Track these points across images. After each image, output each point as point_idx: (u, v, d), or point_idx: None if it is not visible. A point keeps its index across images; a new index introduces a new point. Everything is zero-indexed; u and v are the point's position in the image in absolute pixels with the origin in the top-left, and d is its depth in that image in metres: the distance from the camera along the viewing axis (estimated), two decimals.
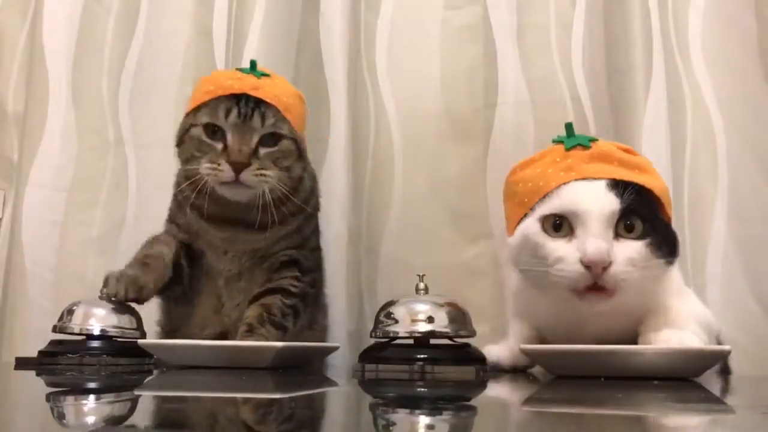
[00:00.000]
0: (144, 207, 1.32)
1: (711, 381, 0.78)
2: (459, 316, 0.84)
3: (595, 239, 0.72)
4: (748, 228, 1.13)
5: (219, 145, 0.92)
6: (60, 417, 0.48)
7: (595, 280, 0.72)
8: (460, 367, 0.82)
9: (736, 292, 1.12)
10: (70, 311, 0.93)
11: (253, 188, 0.91)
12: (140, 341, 0.88)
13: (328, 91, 1.26)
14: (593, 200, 0.73)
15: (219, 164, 0.90)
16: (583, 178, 0.77)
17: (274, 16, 1.30)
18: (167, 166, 1.35)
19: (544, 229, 0.76)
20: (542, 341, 0.86)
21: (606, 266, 0.71)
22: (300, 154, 0.97)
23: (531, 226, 0.77)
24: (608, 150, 0.79)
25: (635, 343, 0.77)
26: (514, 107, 1.24)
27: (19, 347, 1.21)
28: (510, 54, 1.26)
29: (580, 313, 0.77)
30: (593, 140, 0.81)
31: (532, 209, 0.79)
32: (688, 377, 0.72)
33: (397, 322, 0.84)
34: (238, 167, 0.90)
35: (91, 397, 0.63)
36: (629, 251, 0.73)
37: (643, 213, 0.74)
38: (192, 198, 0.95)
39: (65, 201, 1.32)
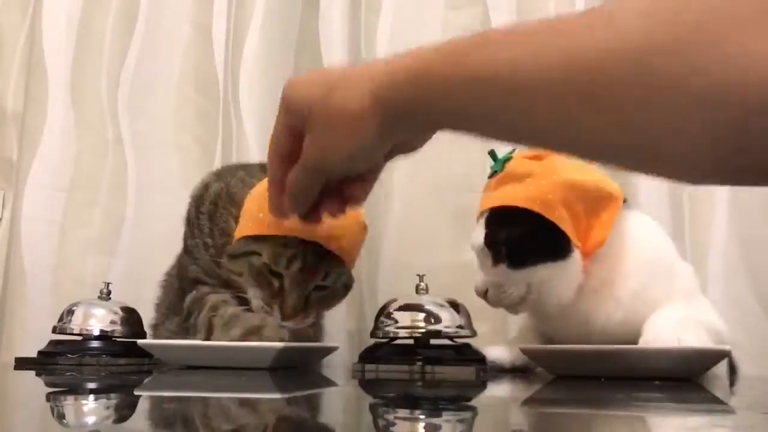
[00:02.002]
0: (144, 207, 1.32)
1: (713, 381, 0.78)
2: (459, 316, 0.84)
3: (477, 274, 0.84)
4: (748, 228, 1.13)
5: (275, 284, 0.88)
6: (60, 417, 0.48)
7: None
8: (460, 367, 0.82)
9: (737, 292, 1.12)
10: (69, 311, 0.93)
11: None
12: (140, 341, 0.88)
13: None
14: (474, 241, 0.85)
15: (271, 308, 0.88)
16: (482, 211, 0.86)
17: (274, 16, 1.30)
18: (167, 166, 1.35)
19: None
20: (548, 341, 0.87)
21: (483, 294, 0.84)
22: (347, 286, 0.95)
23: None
24: (510, 169, 0.85)
25: (636, 343, 0.77)
26: None
27: (18, 347, 1.20)
28: None
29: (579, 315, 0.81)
30: (507, 160, 0.86)
31: None
32: (688, 377, 0.72)
33: (397, 322, 0.84)
34: (288, 317, 0.88)
35: (91, 397, 0.63)
36: (499, 276, 0.82)
37: (503, 238, 0.82)
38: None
39: (65, 201, 1.32)
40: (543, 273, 0.80)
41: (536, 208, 0.80)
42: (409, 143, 0.66)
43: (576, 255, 0.80)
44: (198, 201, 0.99)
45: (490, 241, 0.82)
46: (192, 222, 0.98)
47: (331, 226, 0.86)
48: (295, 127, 0.60)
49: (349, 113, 0.54)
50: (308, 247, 0.86)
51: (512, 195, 0.82)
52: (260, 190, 0.90)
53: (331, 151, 0.57)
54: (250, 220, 0.89)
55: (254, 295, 0.88)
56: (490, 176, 0.88)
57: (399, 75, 0.52)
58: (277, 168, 0.63)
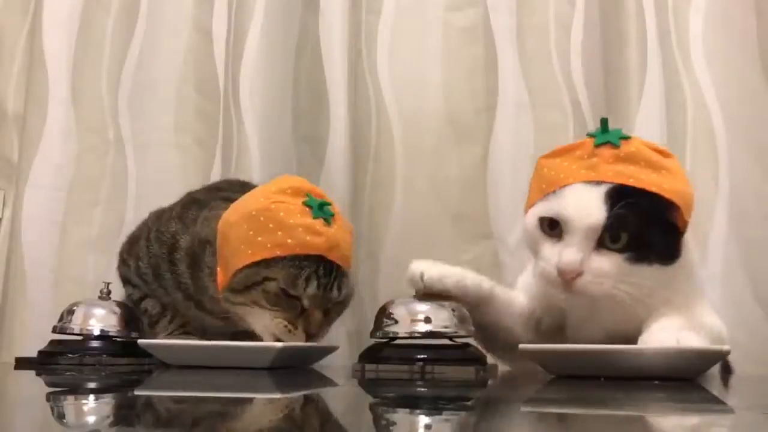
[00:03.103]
0: (144, 207, 1.31)
1: (711, 381, 0.78)
2: (459, 316, 0.84)
3: (570, 250, 0.76)
4: (748, 228, 1.13)
5: (296, 307, 0.87)
6: (60, 417, 0.48)
7: (565, 286, 0.77)
8: (460, 367, 0.82)
9: (737, 293, 1.12)
10: (70, 311, 0.93)
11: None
12: (140, 341, 0.88)
13: (327, 91, 1.26)
14: (582, 211, 0.76)
15: (295, 328, 0.87)
16: (598, 181, 0.78)
17: (274, 16, 1.30)
18: (167, 166, 1.35)
19: (541, 226, 0.80)
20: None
21: (574, 276, 0.76)
22: (353, 293, 0.96)
23: (532, 218, 0.81)
24: (636, 150, 0.79)
25: (637, 342, 0.77)
26: (514, 109, 1.24)
27: (19, 347, 1.20)
28: (510, 56, 1.26)
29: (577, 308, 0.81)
30: (625, 138, 0.80)
31: (544, 197, 0.81)
32: (688, 377, 0.72)
33: (397, 322, 0.84)
34: (313, 336, 0.88)
35: (91, 397, 0.63)
36: (604, 264, 0.76)
37: (632, 225, 0.75)
38: None
39: (65, 201, 1.32)
40: (649, 273, 0.76)
41: (680, 204, 0.76)
42: None
43: (677, 264, 0.78)
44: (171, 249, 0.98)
45: (614, 218, 0.75)
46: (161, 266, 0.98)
47: (330, 236, 0.87)
48: None
49: None
50: (318, 263, 0.86)
51: (657, 182, 0.77)
52: (246, 212, 0.87)
53: None
54: (248, 247, 0.86)
55: (275, 318, 0.87)
56: (598, 144, 0.80)
57: None
58: None
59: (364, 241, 1.25)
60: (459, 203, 1.25)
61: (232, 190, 1.02)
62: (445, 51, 1.30)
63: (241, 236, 0.86)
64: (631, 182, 0.76)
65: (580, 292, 0.76)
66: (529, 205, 0.84)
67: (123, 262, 1.05)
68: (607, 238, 0.75)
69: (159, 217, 1.03)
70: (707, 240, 1.14)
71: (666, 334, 0.74)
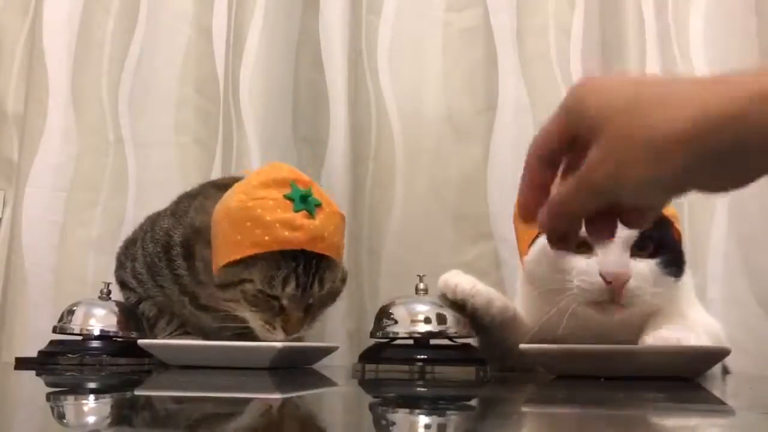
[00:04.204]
0: (144, 207, 1.31)
1: (711, 381, 0.78)
2: (459, 316, 0.84)
3: (613, 257, 0.76)
4: (748, 227, 1.13)
5: (275, 305, 0.87)
6: (60, 417, 0.48)
7: (614, 295, 0.75)
8: (460, 367, 0.82)
9: (737, 292, 1.12)
10: (70, 311, 0.93)
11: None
12: (140, 341, 0.88)
13: (327, 91, 1.26)
14: None
15: (273, 327, 0.87)
16: None
17: (274, 16, 1.30)
18: (167, 166, 1.35)
19: None
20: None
21: (626, 281, 0.75)
22: (343, 280, 0.95)
23: None
24: None
25: (636, 343, 0.77)
26: (514, 110, 1.24)
27: (19, 347, 1.20)
28: (510, 57, 1.26)
29: (591, 328, 0.79)
30: None
31: None
32: (688, 377, 0.72)
33: (397, 322, 0.84)
34: (292, 333, 0.87)
35: (91, 397, 0.63)
36: (644, 269, 0.77)
37: (655, 234, 0.77)
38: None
39: (65, 201, 1.32)
40: (669, 283, 0.78)
41: (675, 221, 0.79)
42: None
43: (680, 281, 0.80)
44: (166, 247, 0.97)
45: (641, 234, 0.76)
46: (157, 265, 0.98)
47: (311, 229, 0.85)
48: (574, 133, 0.51)
49: (662, 135, 0.45)
50: (298, 259, 0.85)
51: None
52: (226, 210, 0.87)
53: (626, 176, 0.47)
54: (227, 245, 0.85)
55: (253, 318, 0.87)
56: None
57: (750, 103, 0.42)
58: (536, 171, 0.55)
59: (365, 241, 1.26)
60: (459, 203, 1.25)
61: (224, 181, 1.01)
62: (445, 52, 1.30)
63: (221, 234, 0.87)
64: None
65: (627, 297, 0.75)
66: (527, 243, 0.83)
67: (120, 266, 1.05)
68: (635, 247, 0.77)
69: (154, 219, 1.03)
70: (707, 239, 1.14)
71: (667, 334, 0.74)
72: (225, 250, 0.86)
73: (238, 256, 0.84)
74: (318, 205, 0.86)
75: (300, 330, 0.88)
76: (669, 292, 0.79)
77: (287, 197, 0.85)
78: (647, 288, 0.76)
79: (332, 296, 0.93)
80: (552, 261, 0.79)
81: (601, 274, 0.75)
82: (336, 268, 0.90)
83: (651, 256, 0.77)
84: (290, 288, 0.85)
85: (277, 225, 0.84)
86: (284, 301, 0.86)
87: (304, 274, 0.85)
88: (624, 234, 0.75)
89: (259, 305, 0.86)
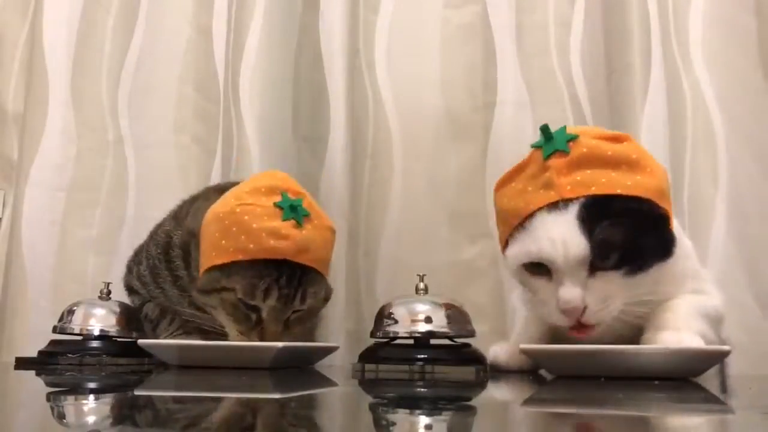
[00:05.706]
0: (144, 207, 1.32)
1: (711, 381, 0.77)
2: (459, 316, 0.84)
3: (566, 288, 0.71)
4: (748, 228, 1.13)
5: (253, 317, 0.86)
6: (60, 417, 0.48)
7: (576, 326, 0.73)
8: (460, 367, 0.82)
9: (736, 292, 1.12)
10: (70, 311, 0.94)
11: None
12: (140, 341, 0.88)
13: (327, 91, 1.26)
14: (561, 247, 0.71)
15: (249, 339, 0.86)
16: (563, 200, 0.73)
17: (274, 15, 1.30)
18: (167, 166, 1.36)
19: (526, 270, 0.76)
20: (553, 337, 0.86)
21: (580, 312, 0.72)
22: (326, 298, 0.93)
23: (513, 264, 0.77)
24: (588, 150, 0.74)
25: (639, 341, 0.76)
26: (513, 106, 1.24)
27: (19, 347, 1.21)
28: (509, 53, 1.26)
29: None
30: (572, 139, 0.75)
31: (514, 235, 0.76)
32: (688, 377, 0.72)
33: (396, 322, 0.84)
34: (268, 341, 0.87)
35: (91, 397, 0.63)
36: (604, 287, 0.72)
37: (617, 242, 0.71)
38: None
39: (65, 201, 1.32)
40: (655, 275, 0.72)
41: (652, 196, 0.71)
42: None
43: (678, 250, 0.74)
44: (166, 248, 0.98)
45: (598, 243, 0.70)
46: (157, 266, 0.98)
47: (297, 239, 0.84)
48: None
49: None
50: (281, 270, 0.84)
51: (620, 181, 0.72)
52: (215, 213, 0.87)
53: None
54: (212, 249, 0.85)
55: (229, 326, 0.87)
56: (547, 157, 0.75)
57: None
58: None
59: (363, 240, 1.26)
60: (457, 201, 1.25)
61: (227, 185, 1.02)
62: (444, 48, 1.30)
63: (208, 237, 0.86)
64: (593, 191, 0.71)
65: (591, 324, 0.72)
66: (502, 241, 0.80)
67: (128, 271, 1.05)
68: (597, 261, 0.71)
69: (159, 224, 1.04)
70: (707, 239, 1.14)
71: (668, 334, 0.74)
72: (209, 254, 0.85)
73: (220, 261, 0.84)
74: (306, 216, 0.86)
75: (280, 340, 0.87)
76: (658, 279, 0.73)
77: (277, 205, 0.85)
78: (611, 304, 0.71)
79: (311, 313, 0.92)
80: (519, 279, 0.78)
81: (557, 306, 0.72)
82: (320, 282, 0.89)
83: (616, 265, 0.71)
84: (271, 299, 0.85)
85: (263, 234, 0.83)
86: (264, 313, 0.86)
87: (287, 285, 0.85)
88: (571, 260, 0.70)
89: (236, 315, 0.86)
